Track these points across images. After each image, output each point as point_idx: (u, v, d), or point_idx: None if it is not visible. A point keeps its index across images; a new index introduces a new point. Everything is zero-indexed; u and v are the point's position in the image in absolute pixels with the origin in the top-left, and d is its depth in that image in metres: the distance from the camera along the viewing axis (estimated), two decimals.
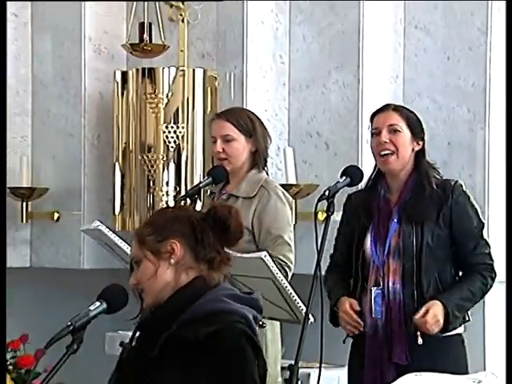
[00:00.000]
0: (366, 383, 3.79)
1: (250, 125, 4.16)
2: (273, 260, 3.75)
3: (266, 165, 4.24)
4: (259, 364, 2.60)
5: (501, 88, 4.75)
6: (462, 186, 3.81)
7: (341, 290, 3.85)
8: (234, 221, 2.68)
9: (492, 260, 3.79)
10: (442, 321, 3.66)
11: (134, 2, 5.48)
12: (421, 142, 3.84)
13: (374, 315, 3.75)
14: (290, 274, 3.97)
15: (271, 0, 5.31)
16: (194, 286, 2.64)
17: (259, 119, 4.27)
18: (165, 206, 5.21)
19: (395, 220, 3.77)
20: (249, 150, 4.16)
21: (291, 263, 4.01)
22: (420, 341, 3.67)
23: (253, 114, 4.30)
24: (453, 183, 3.80)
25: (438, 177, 3.83)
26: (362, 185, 3.89)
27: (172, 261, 2.66)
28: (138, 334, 2.75)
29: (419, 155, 3.83)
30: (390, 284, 3.74)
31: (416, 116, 3.88)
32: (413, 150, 3.82)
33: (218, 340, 2.53)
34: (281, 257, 3.94)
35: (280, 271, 3.79)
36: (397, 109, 3.87)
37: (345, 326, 3.80)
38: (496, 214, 4.70)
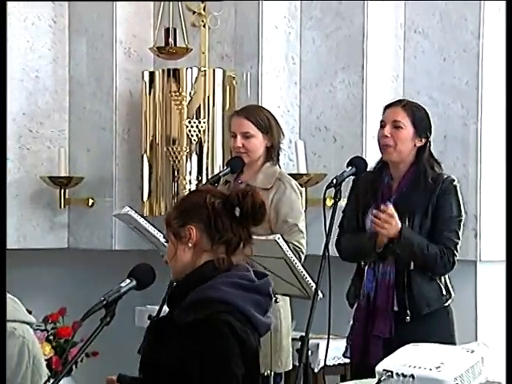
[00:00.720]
0: (353, 349, 3.79)
1: (266, 123, 4.17)
2: (287, 245, 3.77)
3: (278, 158, 4.25)
4: (243, 349, 2.55)
5: (492, 86, 4.75)
6: (453, 180, 3.76)
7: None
8: (251, 200, 2.63)
9: (456, 249, 3.69)
10: (393, 228, 3.57)
11: (161, 10, 5.47)
12: (424, 139, 3.78)
13: (365, 289, 3.74)
14: (302, 258, 4.00)
15: (285, 1, 5.30)
16: (202, 271, 2.63)
17: (274, 117, 4.29)
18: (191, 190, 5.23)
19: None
20: (265, 144, 4.17)
21: (304, 248, 4.04)
22: (408, 319, 3.65)
23: (268, 112, 4.31)
24: (445, 177, 3.75)
25: (438, 171, 3.77)
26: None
27: (190, 244, 2.65)
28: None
29: (421, 151, 3.77)
30: (380, 265, 3.73)
31: (425, 114, 3.82)
32: (415, 145, 3.77)
33: (202, 327, 2.52)
34: (296, 243, 3.97)
35: (293, 253, 3.83)
36: (405, 106, 3.80)
37: (377, 224, 3.65)
38: (487, 200, 4.70)
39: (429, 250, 3.65)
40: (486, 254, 4.67)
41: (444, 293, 3.73)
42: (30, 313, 3.23)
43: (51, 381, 2.48)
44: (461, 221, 3.74)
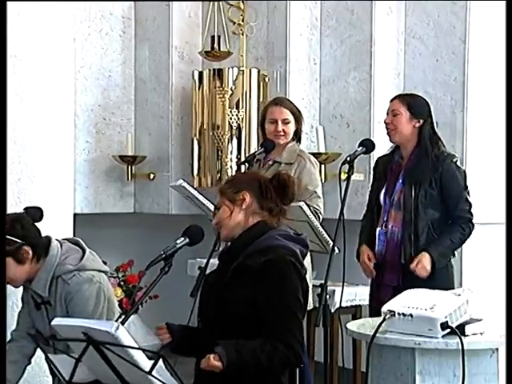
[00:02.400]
0: (374, 300, 3.77)
1: (296, 111, 4.19)
2: (309, 208, 3.76)
3: (300, 139, 4.25)
4: (303, 285, 2.59)
5: (476, 82, 4.70)
6: (453, 157, 3.70)
7: (366, 236, 3.78)
8: (291, 186, 2.68)
9: (471, 215, 3.67)
10: (429, 268, 3.59)
11: (208, 21, 5.45)
12: (422, 120, 3.72)
13: (377, 248, 3.72)
14: (321, 217, 4.00)
15: (308, 14, 5.26)
16: (258, 227, 2.63)
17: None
18: (237, 170, 5.24)
19: (400, 181, 3.71)
20: (294, 128, 4.18)
21: (322, 209, 4.04)
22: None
23: (293, 102, 4.32)
24: (446, 154, 3.69)
25: (441, 149, 3.70)
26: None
27: (243, 206, 2.64)
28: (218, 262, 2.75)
29: (421, 130, 3.71)
30: (390, 227, 3.70)
31: (421, 101, 3.77)
32: (414, 126, 3.72)
33: (271, 266, 2.52)
34: (315, 206, 3.98)
35: (314, 215, 3.84)
36: (401, 97, 3.80)
37: (363, 271, 3.78)
38: (472, 173, 4.64)
39: (455, 239, 3.65)
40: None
41: None
42: (105, 264, 3.25)
43: (122, 317, 2.49)
44: (467, 188, 3.70)
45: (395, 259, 3.67)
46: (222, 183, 2.86)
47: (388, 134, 3.77)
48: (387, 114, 3.78)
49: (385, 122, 3.78)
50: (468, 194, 3.70)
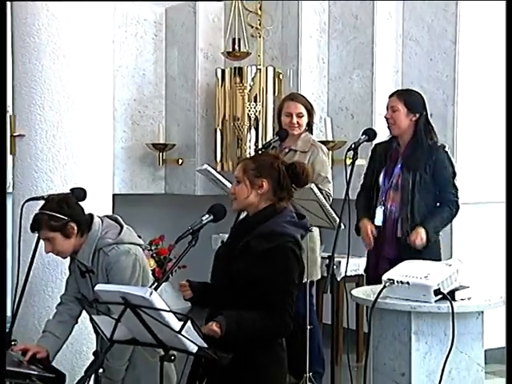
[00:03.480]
0: (370, 268, 3.76)
1: (309, 105, 4.20)
2: (321, 191, 3.81)
3: (312, 129, 4.24)
4: (300, 267, 2.56)
5: (465, 79, 4.68)
6: (445, 147, 3.69)
7: (365, 212, 3.76)
8: (305, 174, 2.61)
9: (457, 198, 3.67)
10: (425, 239, 3.59)
11: (229, 25, 5.44)
12: (418, 114, 3.68)
13: (376, 223, 3.70)
14: (331, 199, 4.02)
15: (318, 18, 5.23)
16: (267, 211, 2.58)
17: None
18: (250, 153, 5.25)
19: (399, 166, 3.69)
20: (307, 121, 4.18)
21: (331, 193, 4.07)
22: (408, 240, 3.62)
23: (306, 97, 4.32)
24: (439, 145, 3.68)
25: (434, 139, 3.68)
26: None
27: (259, 192, 2.59)
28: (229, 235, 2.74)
29: (417, 123, 3.68)
30: (389, 206, 3.69)
31: (417, 96, 3.74)
32: (411, 120, 3.69)
33: (275, 253, 2.49)
34: (327, 190, 4.01)
35: (325, 198, 3.87)
36: (398, 94, 3.76)
37: (363, 241, 3.75)
38: (461, 160, 4.64)
39: (445, 217, 3.65)
40: (460, 198, 4.61)
41: None
42: (140, 238, 3.26)
43: (155, 284, 2.51)
44: (455, 175, 3.69)
45: (393, 234, 3.66)
46: (247, 158, 2.79)
47: (388, 127, 3.76)
48: (387, 109, 3.75)
49: (385, 117, 3.76)
50: (455, 180, 3.70)
